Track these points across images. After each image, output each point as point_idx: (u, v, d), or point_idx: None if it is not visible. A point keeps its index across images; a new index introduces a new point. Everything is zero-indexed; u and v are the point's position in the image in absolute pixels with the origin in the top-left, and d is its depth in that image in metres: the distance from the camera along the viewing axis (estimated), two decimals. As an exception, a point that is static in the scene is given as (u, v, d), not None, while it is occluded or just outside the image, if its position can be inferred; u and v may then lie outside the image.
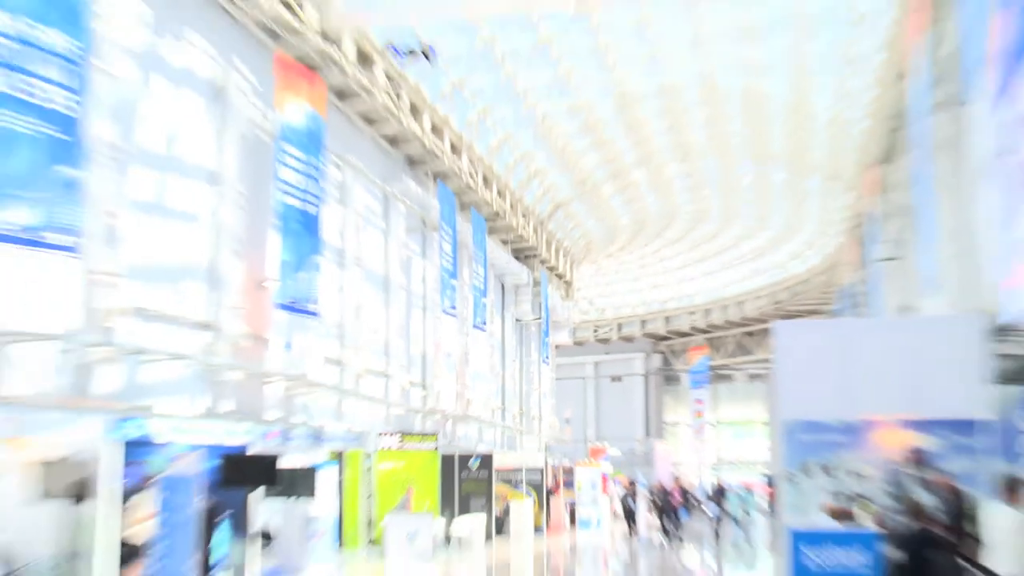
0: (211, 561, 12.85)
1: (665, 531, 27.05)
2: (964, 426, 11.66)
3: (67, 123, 13.35)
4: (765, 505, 34.08)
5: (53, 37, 13.27)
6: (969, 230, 17.20)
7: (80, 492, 12.68)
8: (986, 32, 12.45)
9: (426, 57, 23.86)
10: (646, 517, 30.74)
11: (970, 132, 16.96)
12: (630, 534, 28.47)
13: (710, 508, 28.33)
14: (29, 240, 12.75)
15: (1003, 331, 12.82)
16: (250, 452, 15.27)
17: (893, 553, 10.70)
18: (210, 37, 19.01)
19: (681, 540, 26.34)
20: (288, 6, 20.73)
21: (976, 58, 13.59)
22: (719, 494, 28.43)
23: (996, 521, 7.94)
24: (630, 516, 29.49)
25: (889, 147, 26.82)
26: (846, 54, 27.87)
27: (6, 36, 12.80)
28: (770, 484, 33.59)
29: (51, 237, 12.97)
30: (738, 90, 33.19)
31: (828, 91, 31.36)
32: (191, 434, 14.36)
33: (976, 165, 15.88)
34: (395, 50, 23.82)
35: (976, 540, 11.02)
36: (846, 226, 40.47)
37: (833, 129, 34.14)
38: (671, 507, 27.37)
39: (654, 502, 29.44)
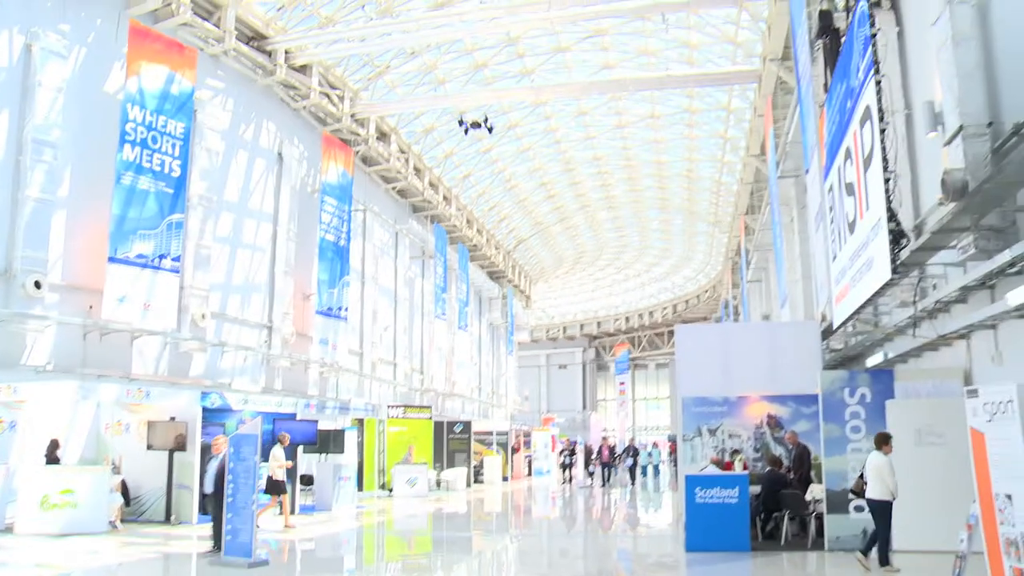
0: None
1: (603, 479, 27.02)
2: (806, 399, 11.87)
3: (176, 183, 13.73)
4: (667, 457, 34.48)
5: (171, 124, 13.66)
6: (807, 262, 17.21)
7: (179, 444, 12.96)
8: (815, 126, 12.73)
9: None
10: (580, 469, 30.76)
11: (806, 194, 16.86)
12: (568, 480, 28.30)
13: (626, 462, 28.22)
14: (149, 264, 13.10)
15: (830, 332, 13.26)
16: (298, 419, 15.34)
17: (754, 489, 11.07)
18: (275, 120, 19.38)
19: (611, 484, 26.34)
20: (329, 99, 21.05)
21: (809, 144, 13.52)
22: (633, 452, 28.43)
23: (871, 462, 8.29)
24: (566, 468, 29.31)
25: (753, 203, 26.90)
26: (722, 137, 28.24)
27: (142, 125, 13.22)
28: (672, 442, 34.05)
29: (163, 262, 13.33)
30: (648, 160, 33.33)
31: (711, 162, 31.62)
32: (255, 404, 14.49)
33: (810, 217, 16.07)
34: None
35: (809, 479, 11.42)
36: (725, 258, 40.32)
37: (715, 189, 34.28)
38: (604, 462, 27.33)
39: (594, 459, 29.46)
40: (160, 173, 13.40)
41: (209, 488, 10.37)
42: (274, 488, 12.40)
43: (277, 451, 12.48)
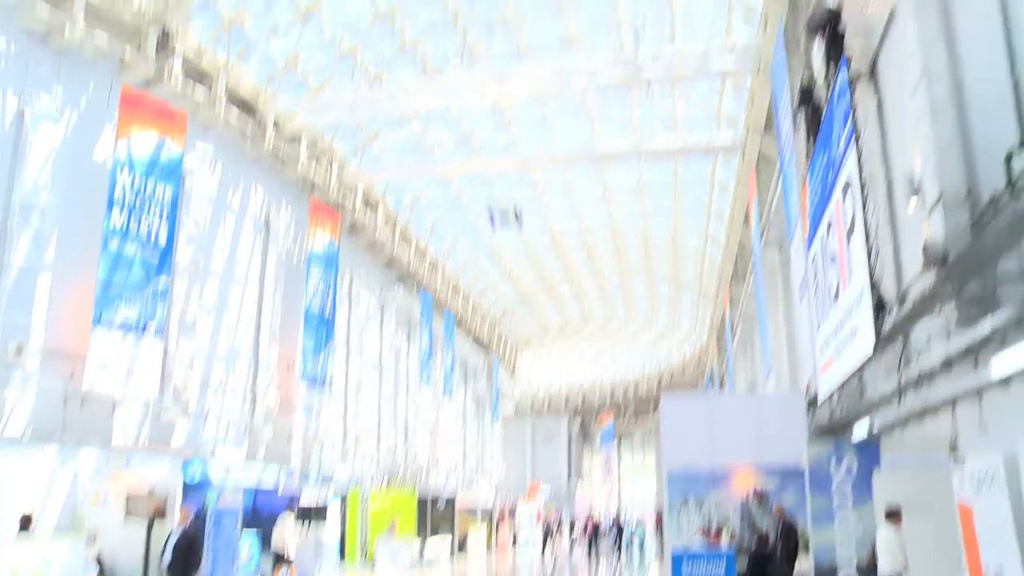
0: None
1: (588, 552, 26.71)
2: (791, 470, 11.84)
3: (163, 249, 13.75)
4: (653, 529, 33.89)
5: (159, 189, 13.77)
6: (791, 332, 17.28)
7: (158, 515, 12.62)
8: (798, 197, 12.87)
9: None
10: (559, 540, 30.35)
11: (790, 264, 16.93)
12: (550, 552, 27.77)
13: (611, 535, 27.90)
14: (133, 330, 13.01)
15: (815, 403, 13.25)
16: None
17: (741, 564, 10.90)
18: (262, 186, 19.51)
19: (598, 555, 26.03)
20: (317, 167, 21.30)
21: (793, 214, 13.65)
22: (616, 526, 28.24)
23: (881, 536, 8.18)
24: (547, 540, 28.82)
25: (737, 272, 26.98)
26: (707, 208, 28.49)
27: (131, 190, 13.33)
28: (658, 514, 33.44)
29: (147, 329, 13.24)
30: (634, 230, 33.60)
31: (696, 232, 31.82)
32: (236, 473, 14.22)
33: (794, 287, 16.14)
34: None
35: (795, 555, 11.27)
36: (710, 327, 40.45)
37: (700, 259, 34.51)
38: (588, 538, 27.10)
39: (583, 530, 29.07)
40: (147, 239, 13.45)
41: (168, 559, 10.11)
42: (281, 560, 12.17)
43: (286, 521, 12.25)
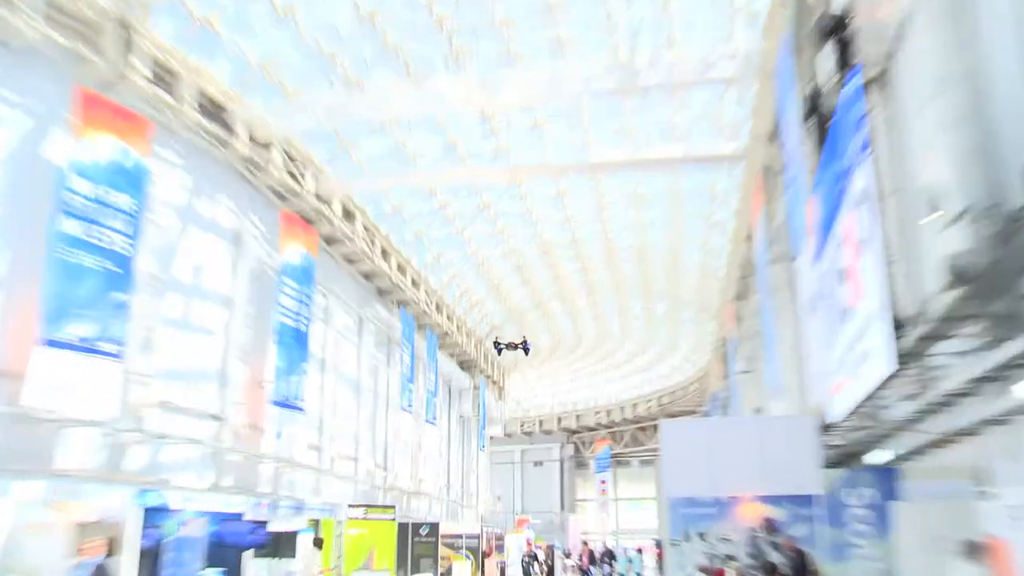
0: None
1: None
2: (803, 500, 11.71)
3: (122, 260, 13.42)
4: (654, 563, 33.66)
5: (120, 199, 13.47)
6: (800, 351, 17.20)
7: (109, 549, 12.23)
8: (804, 209, 12.86)
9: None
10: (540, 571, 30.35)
11: (797, 279, 17.06)
12: None
13: (603, 569, 27.74)
14: (86, 348, 12.64)
15: (829, 427, 13.09)
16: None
17: None
18: (232, 196, 19.21)
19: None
20: (292, 175, 21.06)
21: (799, 227, 13.63)
22: (610, 556, 28.00)
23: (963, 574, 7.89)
24: (527, 573, 28.65)
25: (741, 288, 26.95)
26: (708, 220, 28.45)
27: (87, 198, 13.00)
28: (659, 547, 33.28)
29: (102, 346, 12.88)
30: (630, 243, 33.47)
31: (696, 246, 31.81)
32: (198, 503, 13.92)
33: (802, 303, 16.07)
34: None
35: None
36: (712, 347, 40.38)
37: (701, 274, 34.46)
38: (583, 568, 26.94)
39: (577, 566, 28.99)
40: (104, 249, 13.10)
41: None
42: None
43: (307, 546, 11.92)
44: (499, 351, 22.46)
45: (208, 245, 18.27)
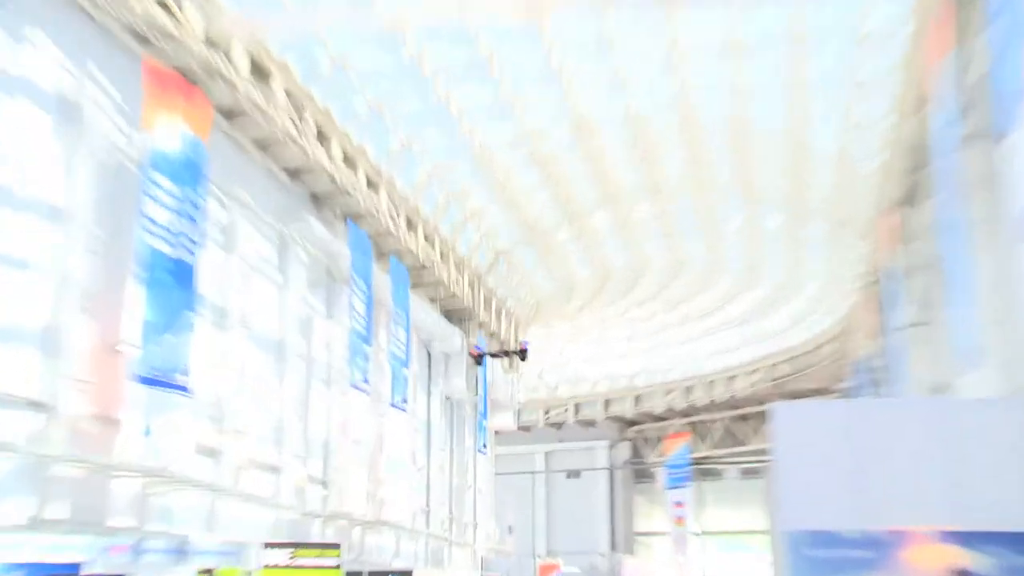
0: None
1: None
2: (1020, 540, 11.76)
3: None
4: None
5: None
6: (1013, 288, 17.13)
7: None
8: (1022, 56, 12.83)
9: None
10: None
11: (1008, 170, 16.98)
12: None
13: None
14: None
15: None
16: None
17: None
18: (60, 40, 18.73)
19: None
20: (164, 5, 20.56)
21: (1013, 82, 13.83)
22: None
23: None
24: None
25: (910, 187, 27.10)
26: (854, 76, 28.32)
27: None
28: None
29: None
30: (722, 117, 33.66)
31: (833, 120, 31.83)
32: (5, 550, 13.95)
33: (1018, 208, 15.84)
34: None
35: None
36: (859, 284, 40.57)
37: (840, 165, 34.63)
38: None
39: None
40: None
41: None
42: None
43: None
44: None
45: (21, 122, 17.87)
